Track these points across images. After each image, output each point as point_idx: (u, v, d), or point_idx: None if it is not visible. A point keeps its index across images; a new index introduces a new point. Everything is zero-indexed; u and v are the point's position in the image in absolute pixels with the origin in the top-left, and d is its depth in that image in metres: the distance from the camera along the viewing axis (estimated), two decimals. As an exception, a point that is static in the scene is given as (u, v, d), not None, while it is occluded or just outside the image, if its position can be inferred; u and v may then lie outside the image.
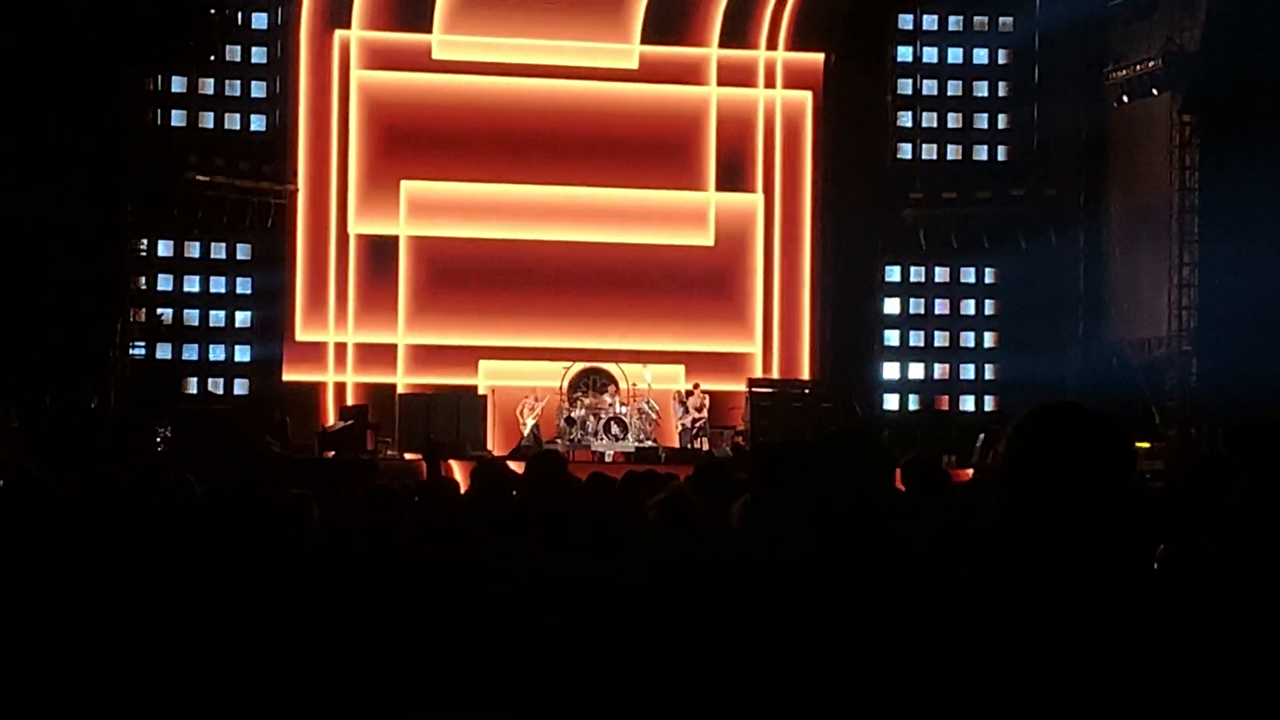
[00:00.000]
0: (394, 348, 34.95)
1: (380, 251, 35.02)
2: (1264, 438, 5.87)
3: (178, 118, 34.54)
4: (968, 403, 36.62)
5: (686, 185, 35.99)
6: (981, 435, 31.96)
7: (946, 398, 36.83)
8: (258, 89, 35.13)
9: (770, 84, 36.41)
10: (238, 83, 35.00)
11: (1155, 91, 33.57)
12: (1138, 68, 33.87)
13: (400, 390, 34.00)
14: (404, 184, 35.01)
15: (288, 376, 34.44)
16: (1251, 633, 3.98)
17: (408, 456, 30.08)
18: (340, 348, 34.82)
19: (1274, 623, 3.92)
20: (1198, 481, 6.16)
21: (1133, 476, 3.88)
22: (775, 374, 35.48)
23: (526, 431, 32.13)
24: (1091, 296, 35.52)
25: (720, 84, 36.20)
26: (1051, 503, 3.79)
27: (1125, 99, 34.48)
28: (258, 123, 35.12)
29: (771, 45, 36.31)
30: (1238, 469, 5.98)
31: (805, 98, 36.49)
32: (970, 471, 25.95)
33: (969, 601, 3.84)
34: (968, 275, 36.94)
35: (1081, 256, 35.62)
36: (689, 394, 33.10)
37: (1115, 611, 3.65)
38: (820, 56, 36.38)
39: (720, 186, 36.13)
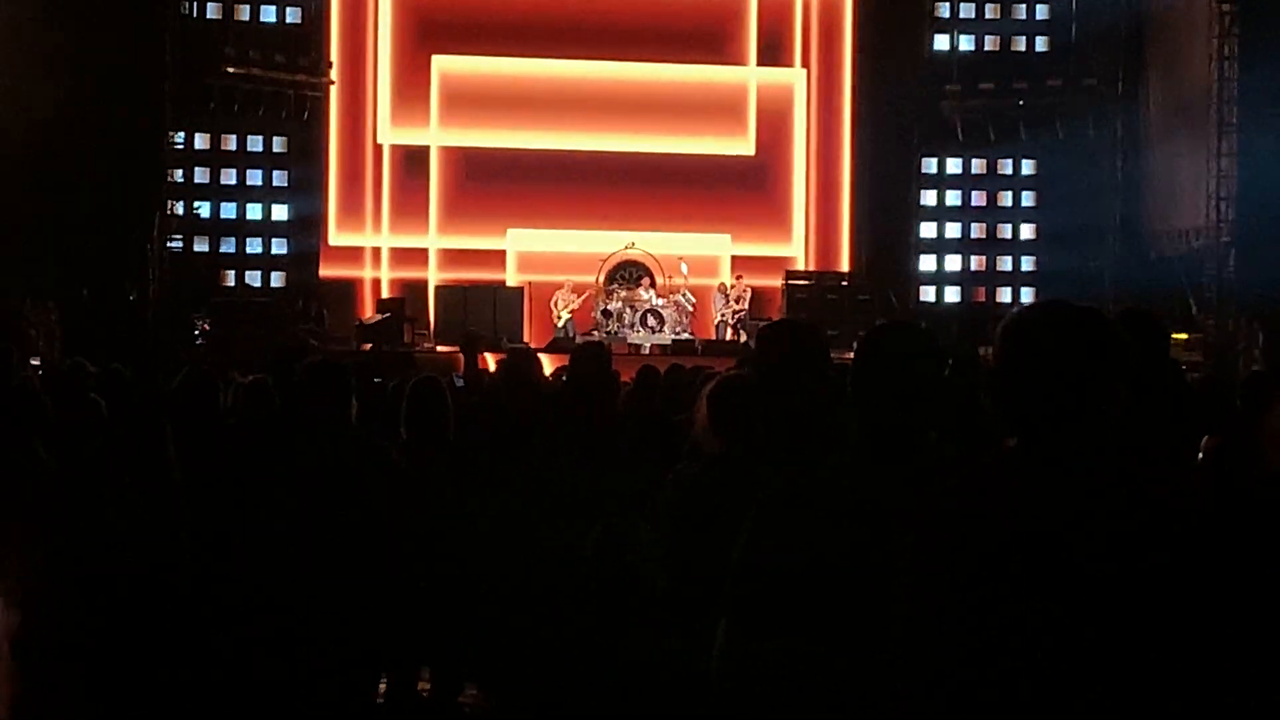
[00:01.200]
0: (425, 251, 35.11)
1: (413, 155, 35.10)
2: None
3: (213, 10, 34.48)
4: (1005, 295, 36.52)
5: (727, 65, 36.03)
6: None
7: (983, 289, 36.74)
8: (293, -20, 35.07)
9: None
10: (273, -26, 34.97)
11: (1195, -20, 33.31)
12: (1178, -44, 33.61)
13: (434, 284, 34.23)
14: (435, 61, 35.01)
15: (324, 272, 34.62)
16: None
17: (442, 349, 30.20)
18: (375, 252, 34.99)
19: None
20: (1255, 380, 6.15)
21: (1123, 372, 3.78)
22: (813, 268, 35.47)
23: (560, 324, 32.22)
24: (1129, 187, 35.33)
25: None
26: (1037, 403, 3.76)
27: (1165, -13, 34.24)
28: (293, 15, 35.04)
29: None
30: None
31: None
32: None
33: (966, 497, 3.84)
34: (1005, 167, 36.81)
35: (1120, 147, 35.43)
36: (731, 286, 33.13)
37: (1112, 512, 3.64)
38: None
39: (761, 66, 36.12)
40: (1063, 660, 3.42)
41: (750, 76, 36.05)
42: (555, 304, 32.51)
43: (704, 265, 34.03)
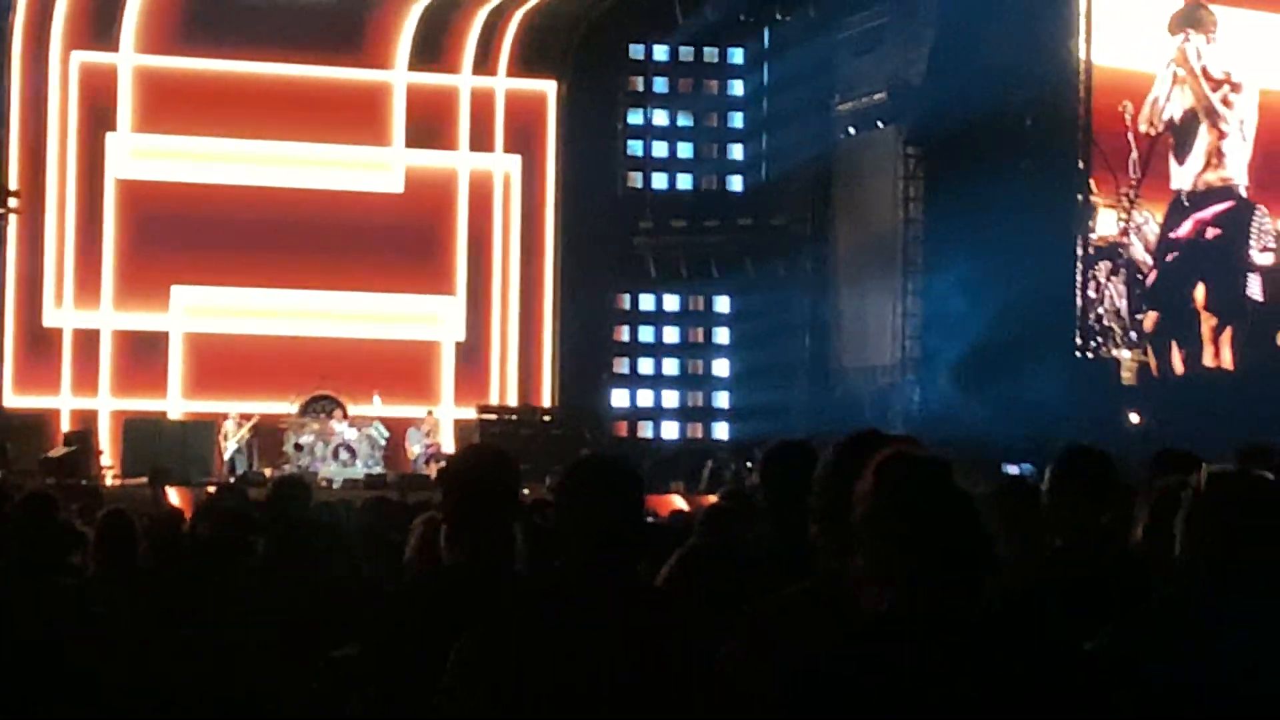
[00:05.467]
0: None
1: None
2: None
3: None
4: (698, 431, 36.81)
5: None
6: (709, 463, 32.09)
7: (677, 425, 36.95)
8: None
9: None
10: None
11: (881, 124, 34.06)
12: (864, 100, 34.38)
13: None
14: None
15: (9, 404, 33.75)
16: None
17: (129, 482, 29.52)
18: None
19: None
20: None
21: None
22: (513, 401, 35.26)
23: (228, 455, 31.58)
24: (818, 325, 35.86)
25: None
26: (926, 562, 3.50)
27: (852, 130, 34.97)
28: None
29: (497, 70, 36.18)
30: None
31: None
32: (709, 498, 25.69)
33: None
34: (698, 304, 37.18)
35: (809, 285, 35.98)
36: (422, 421, 32.92)
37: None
38: (551, 84, 36.33)
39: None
40: None
41: (461, 164, 36.04)
42: (223, 436, 31.84)
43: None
